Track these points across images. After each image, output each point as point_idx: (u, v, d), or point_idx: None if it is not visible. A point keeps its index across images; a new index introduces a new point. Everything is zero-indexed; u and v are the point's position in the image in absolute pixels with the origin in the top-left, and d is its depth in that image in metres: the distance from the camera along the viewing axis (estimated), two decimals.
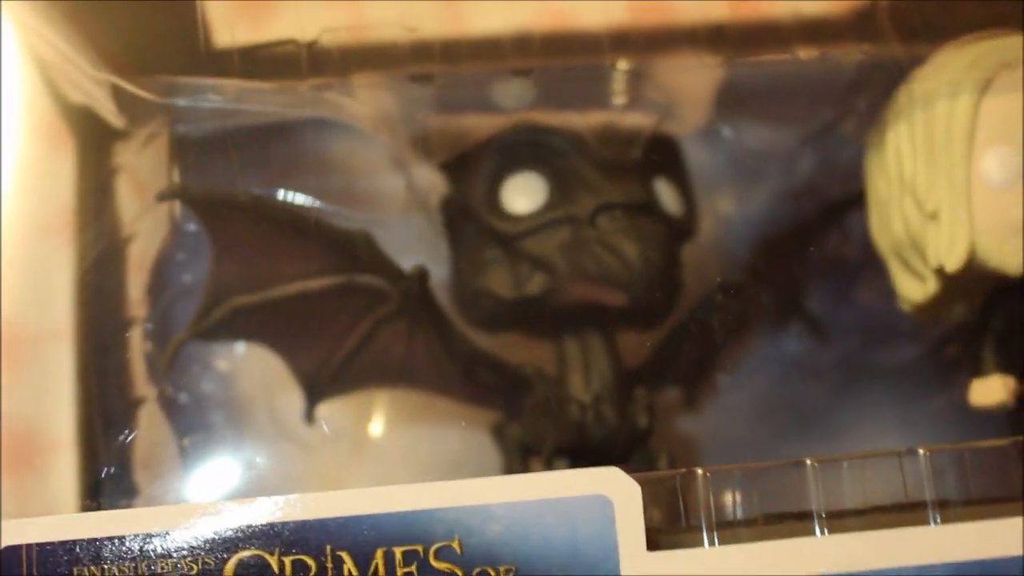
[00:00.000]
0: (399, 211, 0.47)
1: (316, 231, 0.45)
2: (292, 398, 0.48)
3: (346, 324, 0.46)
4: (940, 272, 0.43)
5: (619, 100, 0.47)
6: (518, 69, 0.46)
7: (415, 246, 0.48)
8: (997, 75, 0.43)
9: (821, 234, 0.50)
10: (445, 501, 0.36)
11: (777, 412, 0.53)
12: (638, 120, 0.47)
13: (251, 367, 0.48)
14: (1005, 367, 0.43)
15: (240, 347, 0.48)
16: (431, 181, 0.48)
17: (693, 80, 0.47)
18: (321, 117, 0.45)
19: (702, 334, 0.50)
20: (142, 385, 0.46)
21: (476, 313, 0.46)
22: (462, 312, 0.47)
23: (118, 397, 0.46)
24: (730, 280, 0.49)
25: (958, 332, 0.47)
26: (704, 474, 0.37)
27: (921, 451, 0.38)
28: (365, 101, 0.46)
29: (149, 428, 0.46)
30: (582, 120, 0.46)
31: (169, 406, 0.46)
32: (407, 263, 0.46)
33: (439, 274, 0.47)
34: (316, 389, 0.47)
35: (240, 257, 0.45)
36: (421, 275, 0.46)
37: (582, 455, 0.45)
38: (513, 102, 0.47)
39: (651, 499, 0.37)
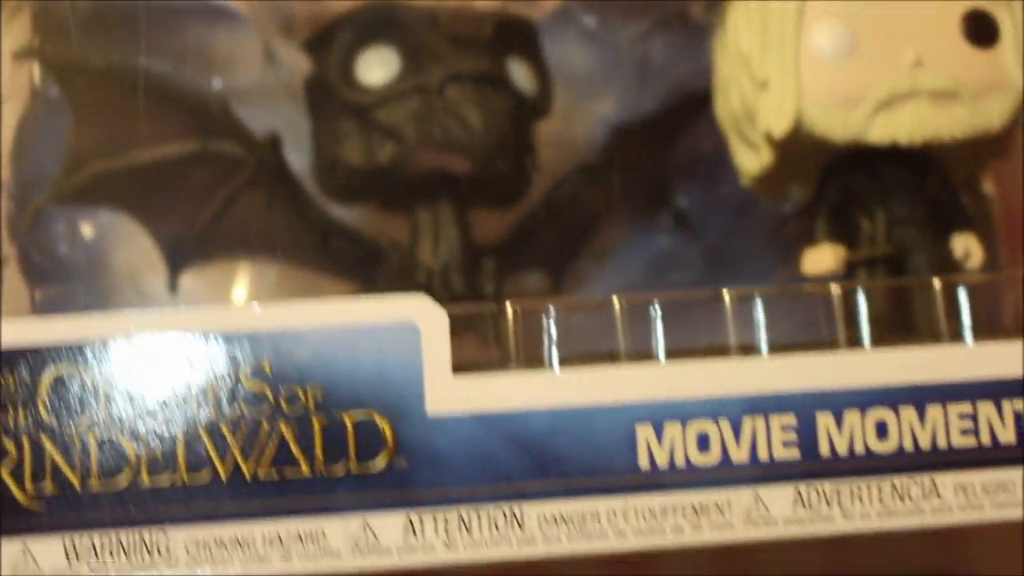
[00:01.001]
0: (260, 91, 0.49)
1: (173, 95, 0.46)
2: (156, 267, 0.49)
3: (205, 192, 0.47)
4: (770, 140, 0.44)
5: None
6: None
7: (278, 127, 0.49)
8: None
9: (682, 123, 0.52)
10: (258, 325, 0.37)
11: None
12: (488, 2, 0.48)
13: (115, 235, 0.49)
14: (836, 236, 0.45)
15: (103, 214, 0.49)
16: (295, 61, 0.49)
17: None
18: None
19: (561, 217, 0.51)
20: (4, 246, 0.47)
21: (332, 184, 0.48)
22: (320, 184, 0.48)
23: None
24: (587, 164, 0.51)
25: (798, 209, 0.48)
26: (515, 310, 0.39)
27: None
28: None
29: (8, 290, 0.47)
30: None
31: (30, 269, 0.48)
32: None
33: (300, 156, 0.48)
34: (178, 258, 0.49)
35: (99, 121, 0.46)
36: (274, 141, 0.47)
37: None
38: None
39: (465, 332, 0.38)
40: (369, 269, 0.48)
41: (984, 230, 0.48)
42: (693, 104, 0.50)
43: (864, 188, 0.45)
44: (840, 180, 0.45)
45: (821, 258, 0.44)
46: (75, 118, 0.46)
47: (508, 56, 0.47)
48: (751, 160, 0.45)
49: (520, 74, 0.48)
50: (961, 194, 0.46)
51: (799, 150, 0.44)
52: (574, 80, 0.51)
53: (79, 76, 0.46)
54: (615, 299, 0.39)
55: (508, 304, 0.39)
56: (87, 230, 0.49)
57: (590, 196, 0.51)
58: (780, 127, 0.43)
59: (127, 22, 0.47)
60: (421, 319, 0.37)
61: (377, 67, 0.47)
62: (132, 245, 0.49)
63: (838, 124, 0.43)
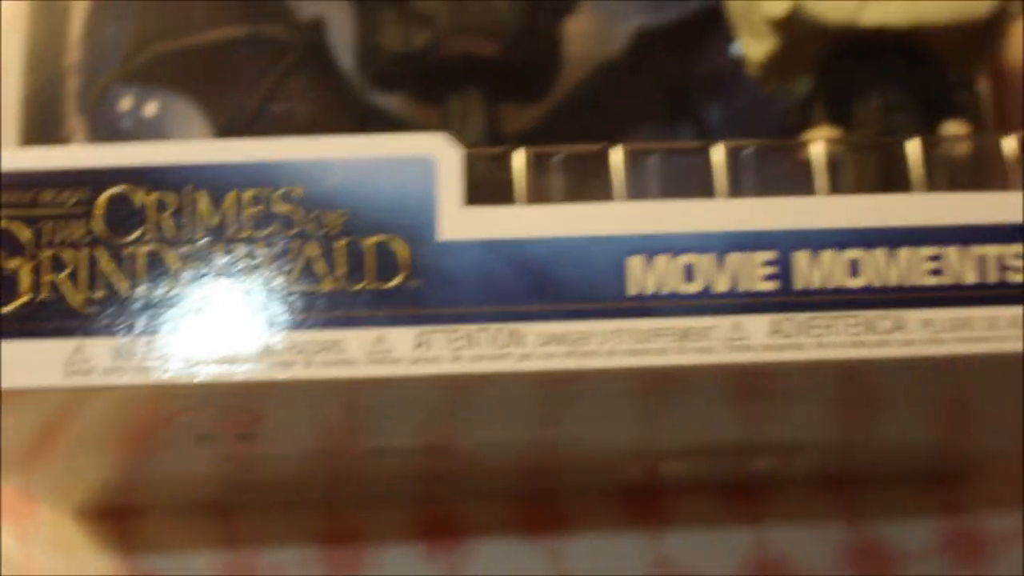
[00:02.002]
0: None
1: None
2: None
3: (255, 75, 0.52)
4: (771, 24, 0.47)
5: None
6: None
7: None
8: None
9: (704, 33, 0.55)
10: (292, 154, 0.41)
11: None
12: None
13: (174, 115, 0.53)
14: (833, 119, 0.48)
15: (165, 94, 0.53)
16: None
17: None
18: None
19: (585, 116, 0.55)
20: (72, 118, 0.52)
21: (372, 70, 0.51)
22: (361, 70, 0.52)
23: (52, 128, 0.52)
24: (612, 65, 0.55)
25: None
26: (529, 153, 0.42)
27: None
28: None
29: None
30: None
31: (94, 143, 0.52)
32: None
33: (343, 37, 0.52)
34: (230, 139, 0.53)
35: (161, 6, 0.50)
36: (318, 24, 0.51)
37: None
38: None
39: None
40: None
41: (975, 125, 0.51)
42: (715, 15, 0.54)
43: (860, 75, 0.48)
44: (837, 68, 0.48)
45: (819, 137, 0.48)
46: (138, 3, 0.50)
47: None
48: (756, 48, 0.49)
49: None
50: (954, 87, 0.49)
51: (798, 36, 0.48)
52: None
53: None
54: (614, 148, 0.43)
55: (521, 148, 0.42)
56: (150, 109, 0.53)
57: (614, 98, 0.55)
58: (779, 10, 0.47)
59: None
60: (438, 154, 0.41)
61: None
62: (189, 126, 0.53)
63: (833, 8, 0.46)
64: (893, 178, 0.47)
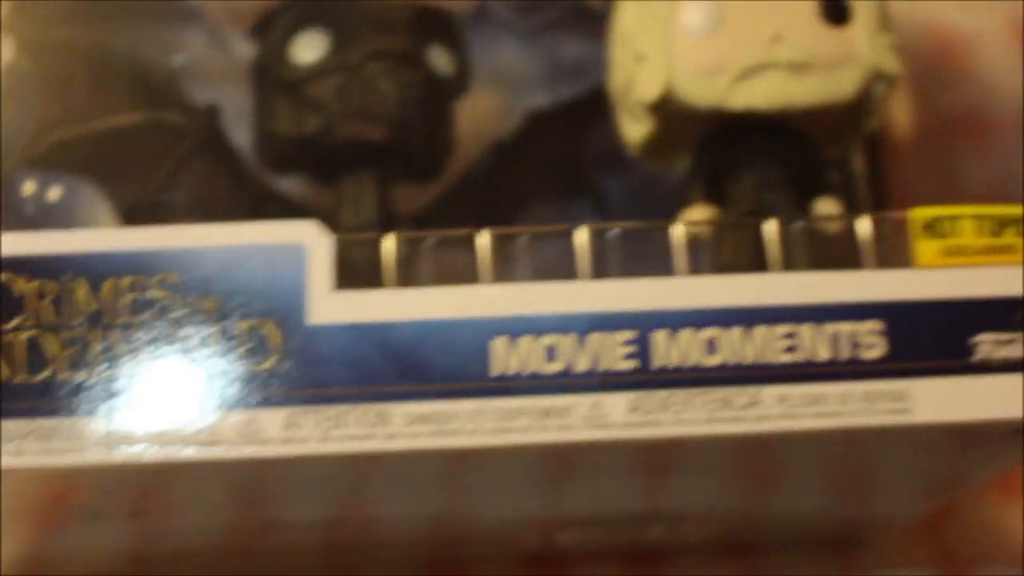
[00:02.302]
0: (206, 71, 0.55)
1: (126, 71, 0.52)
2: None
3: (155, 159, 0.53)
4: (646, 107, 0.49)
5: None
6: None
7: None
8: None
9: (597, 113, 0.57)
10: (167, 242, 0.43)
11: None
12: None
13: (78, 199, 0.55)
14: (709, 198, 0.50)
15: (68, 179, 0.55)
16: (243, 46, 0.55)
17: None
18: None
19: (480, 195, 0.56)
20: None
21: (267, 155, 0.53)
22: (257, 155, 0.53)
23: None
24: (505, 146, 0.56)
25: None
26: (399, 237, 0.44)
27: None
28: None
29: None
30: None
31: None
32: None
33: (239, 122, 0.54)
34: (133, 222, 0.54)
35: (62, 93, 0.52)
36: (212, 112, 0.53)
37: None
38: None
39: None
40: None
41: (849, 203, 0.53)
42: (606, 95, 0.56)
43: (734, 155, 0.50)
44: (713, 148, 0.50)
45: (694, 217, 0.49)
46: (42, 90, 0.52)
47: (427, 41, 0.53)
48: (635, 130, 0.50)
49: (438, 58, 0.53)
50: (826, 164, 0.51)
51: (674, 118, 0.49)
52: (493, 69, 0.57)
53: (46, 50, 0.52)
54: (482, 232, 0.44)
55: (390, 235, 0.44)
56: (53, 194, 0.55)
57: (508, 177, 0.56)
58: (652, 94, 0.49)
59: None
60: (308, 241, 0.43)
61: (309, 48, 0.52)
62: (93, 210, 0.55)
63: (703, 92, 0.48)
64: (768, 256, 0.49)
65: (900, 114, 0.60)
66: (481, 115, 0.55)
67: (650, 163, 0.52)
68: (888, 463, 0.50)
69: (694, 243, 0.47)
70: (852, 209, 0.53)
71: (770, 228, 0.45)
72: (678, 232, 0.45)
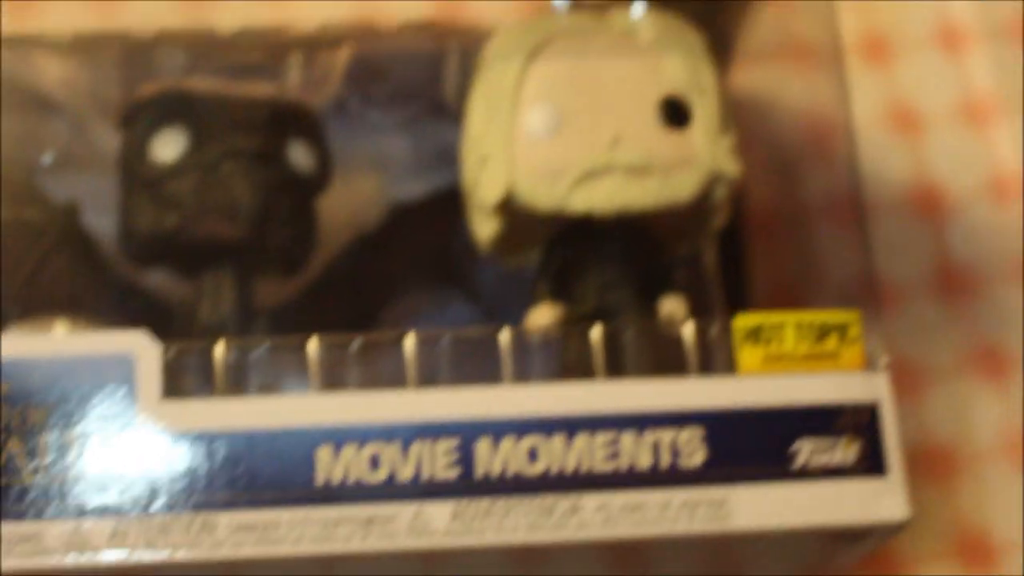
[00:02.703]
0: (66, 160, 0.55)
1: None
2: None
3: (19, 255, 0.54)
4: (490, 209, 0.50)
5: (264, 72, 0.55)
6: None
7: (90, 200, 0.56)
8: (546, 45, 0.50)
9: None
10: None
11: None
12: (271, 89, 0.55)
13: None
14: (554, 297, 0.50)
15: None
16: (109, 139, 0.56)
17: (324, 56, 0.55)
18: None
19: (345, 288, 0.57)
20: None
21: (128, 250, 0.54)
22: (120, 250, 0.54)
23: None
24: (369, 237, 0.57)
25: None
26: (227, 346, 0.45)
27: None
28: (46, 66, 0.54)
29: None
30: (226, 87, 0.54)
31: None
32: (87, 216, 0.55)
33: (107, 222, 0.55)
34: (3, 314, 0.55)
35: None
36: (72, 209, 0.53)
37: None
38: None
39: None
40: (162, 327, 0.54)
41: (701, 300, 0.54)
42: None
43: (580, 255, 0.50)
44: (559, 247, 0.51)
45: (540, 315, 0.50)
46: None
47: (286, 137, 0.54)
48: (483, 228, 0.51)
49: (298, 154, 0.54)
50: (671, 263, 0.51)
51: (518, 219, 0.50)
52: (354, 161, 0.57)
53: None
54: (312, 340, 0.45)
55: (219, 342, 0.45)
56: None
57: (376, 268, 0.57)
58: (493, 196, 0.49)
59: None
60: (138, 351, 0.43)
61: (168, 146, 0.53)
62: None
63: (543, 195, 0.49)
64: (613, 352, 0.50)
65: (759, 201, 0.61)
66: (341, 208, 0.56)
67: (501, 259, 0.53)
68: (749, 562, 0.51)
69: (540, 344, 0.48)
70: (703, 307, 0.54)
71: (595, 334, 0.46)
72: (504, 339, 0.45)
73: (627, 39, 0.51)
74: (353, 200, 0.57)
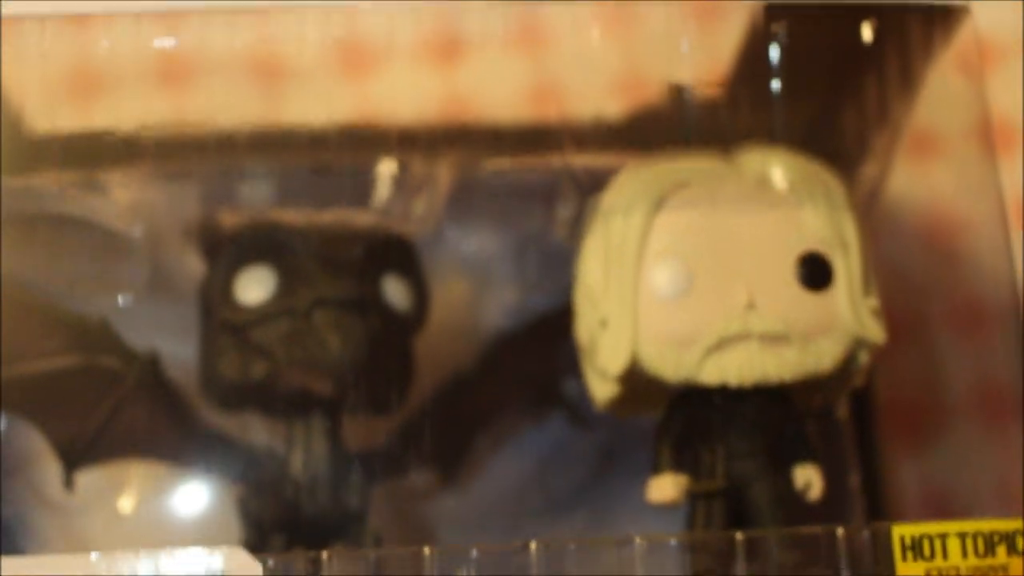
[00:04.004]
0: (145, 296, 0.51)
1: (56, 315, 0.49)
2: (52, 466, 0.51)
3: (92, 400, 0.50)
4: (611, 377, 0.46)
5: (353, 200, 0.51)
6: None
7: (166, 328, 0.52)
8: (672, 193, 0.46)
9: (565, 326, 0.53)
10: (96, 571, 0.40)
11: (530, 496, 0.56)
12: (366, 220, 0.51)
13: (13, 438, 0.52)
14: (678, 466, 0.46)
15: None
16: (191, 268, 0.52)
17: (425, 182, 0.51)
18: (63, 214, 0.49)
19: (445, 420, 0.53)
20: None
21: (212, 395, 0.50)
22: (202, 393, 0.50)
23: None
24: (465, 371, 0.53)
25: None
26: (328, 556, 0.41)
27: (637, 540, 0.41)
28: (119, 196, 0.50)
29: None
30: (316, 218, 0.50)
31: None
32: (160, 344, 0.51)
33: (187, 355, 0.51)
34: (72, 459, 0.51)
35: None
36: (153, 360, 0.49)
37: (297, 532, 0.48)
38: (256, 198, 0.51)
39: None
40: (248, 476, 0.50)
41: (833, 456, 0.49)
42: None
43: (706, 421, 0.46)
44: (684, 411, 0.47)
45: (663, 487, 0.46)
46: None
47: (381, 274, 0.50)
48: (600, 388, 0.47)
49: (394, 291, 0.50)
50: (806, 425, 0.47)
51: (640, 383, 0.46)
52: (455, 292, 0.53)
53: None
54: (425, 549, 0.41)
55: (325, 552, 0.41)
56: None
57: (473, 400, 0.53)
58: (615, 367, 0.45)
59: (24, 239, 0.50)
60: (235, 570, 0.39)
61: (254, 287, 0.49)
62: (31, 446, 0.52)
63: (671, 364, 0.45)
64: (744, 521, 0.46)
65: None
66: (439, 345, 0.52)
67: (618, 415, 0.49)
68: None
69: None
70: (836, 465, 0.50)
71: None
72: (640, 546, 0.41)
73: (761, 187, 0.46)
74: (450, 337, 0.53)
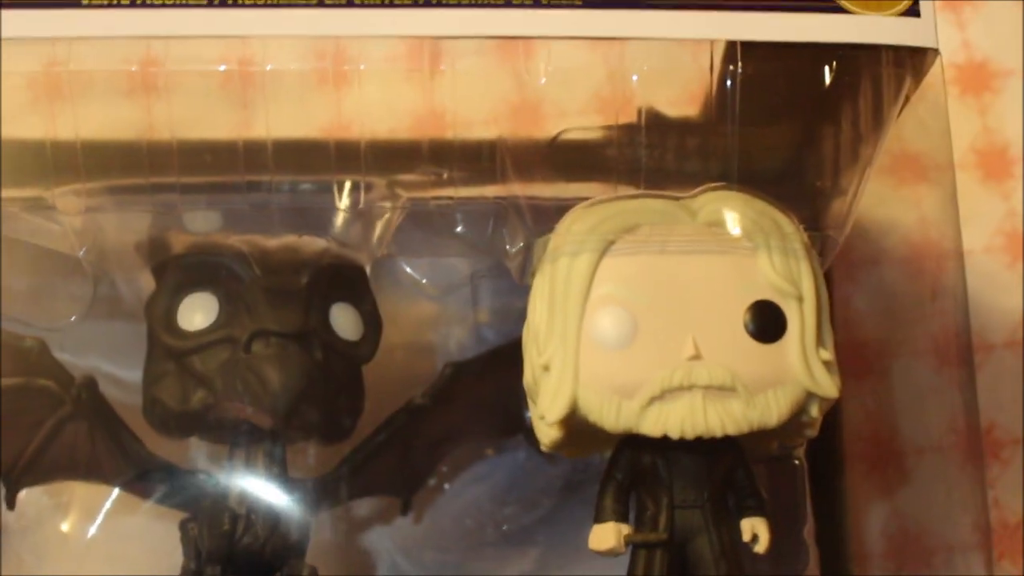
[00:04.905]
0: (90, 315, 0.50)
1: None
2: None
3: (32, 420, 0.49)
4: (550, 423, 0.44)
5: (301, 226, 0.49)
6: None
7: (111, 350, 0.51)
8: (620, 236, 0.44)
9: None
10: None
11: (483, 529, 0.55)
12: (316, 246, 0.49)
13: None
14: (620, 515, 0.45)
15: None
16: (141, 287, 0.51)
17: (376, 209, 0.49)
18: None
19: (399, 447, 0.51)
20: None
21: (152, 419, 0.49)
22: (144, 416, 0.49)
23: None
24: (417, 401, 0.51)
25: None
26: None
27: None
28: (69, 214, 0.49)
29: None
30: (264, 243, 0.49)
31: None
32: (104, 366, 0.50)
33: (133, 377, 0.50)
34: (13, 477, 0.50)
35: None
36: (89, 383, 0.48)
37: (232, 561, 0.47)
38: (202, 226, 0.50)
39: None
40: (188, 502, 0.49)
41: (788, 502, 0.48)
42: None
43: (650, 469, 0.45)
44: (628, 458, 0.45)
45: (604, 536, 0.44)
46: None
47: (330, 302, 0.48)
48: (543, 432, 0.45)
49: (341, 319, 0.49)
50: (754, 475, 0.46)
51: (583, 429, 0.44)
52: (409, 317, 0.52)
53: None
54: None
55: None
56: None
57: (428, 428, 0.52)
58: (554, 414, 0.44)
59: None
60: None
61: (197, 312, 0.48)
62: None
63: (611, 414, 0.43)
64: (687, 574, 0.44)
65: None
66: (390, 376, 0.51)
67: (565, 455, 0.47)
68: None
69: None
70: (792, 509, 0.49)
71: None
72: None
73: (715, 231, 0.44)
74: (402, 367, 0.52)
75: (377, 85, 0.49)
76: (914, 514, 0.57)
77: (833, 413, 0.52)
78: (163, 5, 0.43)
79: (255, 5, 0.44)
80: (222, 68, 0.47)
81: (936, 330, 0.57)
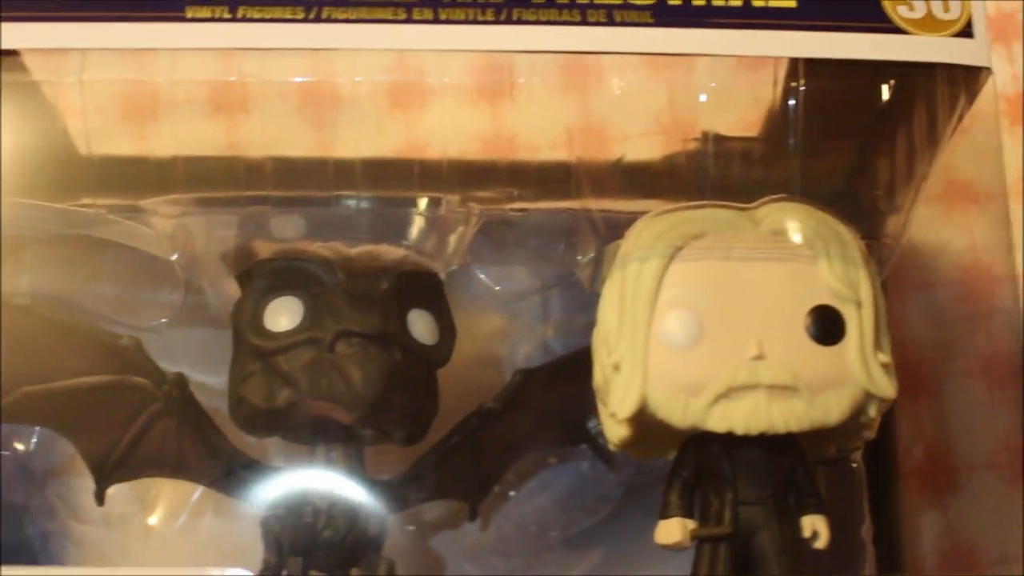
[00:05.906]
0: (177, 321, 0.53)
1: (91, 337, 0.51)
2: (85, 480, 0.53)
3: (124, 417, 0.51)
4: (621, 420, 0.46)
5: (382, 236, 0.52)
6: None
7: (200, 353, 0.53)
8: (687, 244, 0.46)
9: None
10: None
11: (546, 534, 0.57)
12: (395, 254, 0.52)
13: (45, 450, 0.54)
14: (686, 510, 0.47)
15: (34, 430, 0.53)
16: (227, 293, 0.53)
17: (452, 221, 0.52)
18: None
19: (466, 452, 0.54)
20: None
21: (238, 418, 0.51)
22: (230, 415, 0.52)
23: None
24: (488, 406, 0.53)
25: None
26: None
27: None
28: (160, 222, 0.52)
29: None
30: (346, 251, 0.51)
31: None
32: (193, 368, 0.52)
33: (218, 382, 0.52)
34: (104, 473, 0.52)
35: (24, 352, 0.50)
36: (179, 382, 0.51)
37: (314, 556, 0.50)
38: (289, 233, 0.52)
39: None
40: (271, 499, 0.51)
41: (846, 504, 0.50)
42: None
43: (715, 466, 0.47)
44: (694, 456, 0.47)
45: (670, 531, 0.47)
46: (7, 349, 0.50)
47: (407, 309, 0.51)
48: (613, 430, 0.48)
49: (419, 325, 0.51)
50: (815, 473, 0.47)
51: (652, 427, 0.47)
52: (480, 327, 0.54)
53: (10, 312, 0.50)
54: None
55: None
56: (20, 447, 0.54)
57: (497, 433, 0.54)
58: (624, 411, 0.46)
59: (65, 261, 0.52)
60: None
61: (283, 315, 0.50)
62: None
63: (679, 411, 0.45)
64: (750, 568, 0.46)
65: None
66: (464, 379, 0.53)
67: (633, 456, 0.49)
68: None
69: None
70: (850, 511, 0.50)
71: None
72: None
73: (777, 239, 0.47)
74: (475, 372, 0.54)
75: (451, 105, 0.52)
76: (966, 529, 0.58)
77: (887, 428, 0.54)
78: (260, 20, 0.46)
79: (347, 21, 0.46)
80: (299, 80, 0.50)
81: (988, 351, 0.59)
